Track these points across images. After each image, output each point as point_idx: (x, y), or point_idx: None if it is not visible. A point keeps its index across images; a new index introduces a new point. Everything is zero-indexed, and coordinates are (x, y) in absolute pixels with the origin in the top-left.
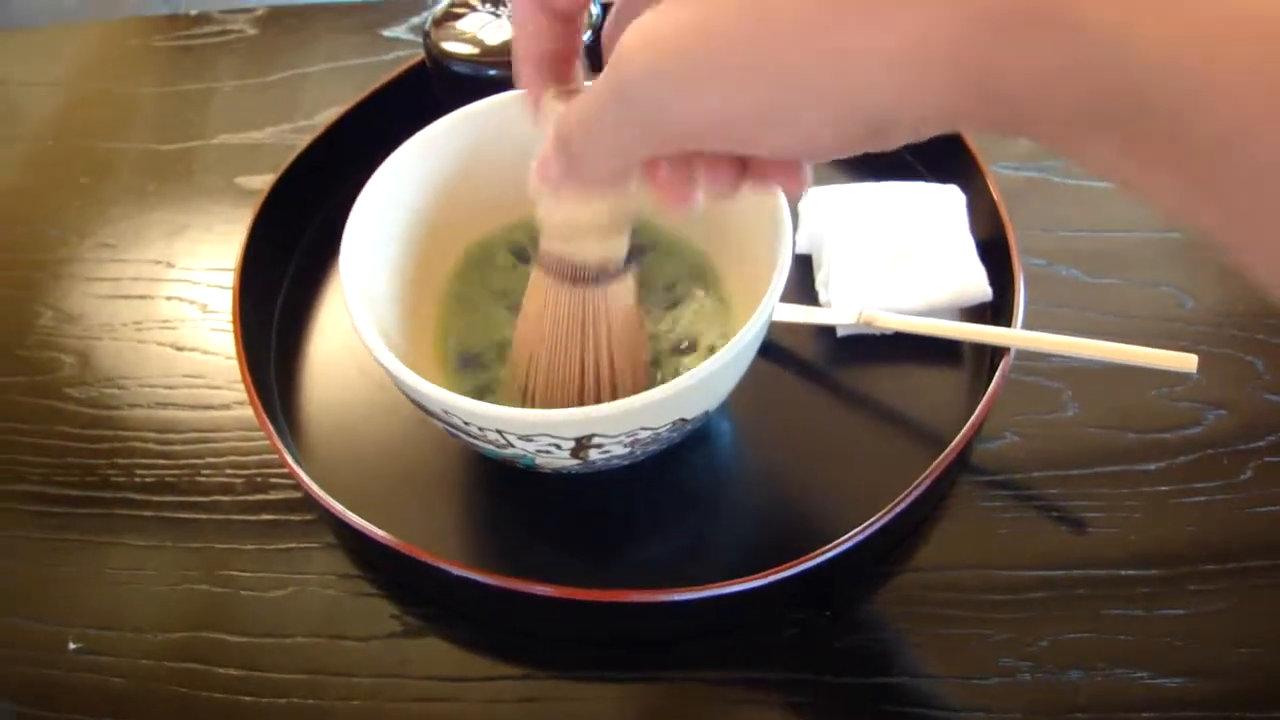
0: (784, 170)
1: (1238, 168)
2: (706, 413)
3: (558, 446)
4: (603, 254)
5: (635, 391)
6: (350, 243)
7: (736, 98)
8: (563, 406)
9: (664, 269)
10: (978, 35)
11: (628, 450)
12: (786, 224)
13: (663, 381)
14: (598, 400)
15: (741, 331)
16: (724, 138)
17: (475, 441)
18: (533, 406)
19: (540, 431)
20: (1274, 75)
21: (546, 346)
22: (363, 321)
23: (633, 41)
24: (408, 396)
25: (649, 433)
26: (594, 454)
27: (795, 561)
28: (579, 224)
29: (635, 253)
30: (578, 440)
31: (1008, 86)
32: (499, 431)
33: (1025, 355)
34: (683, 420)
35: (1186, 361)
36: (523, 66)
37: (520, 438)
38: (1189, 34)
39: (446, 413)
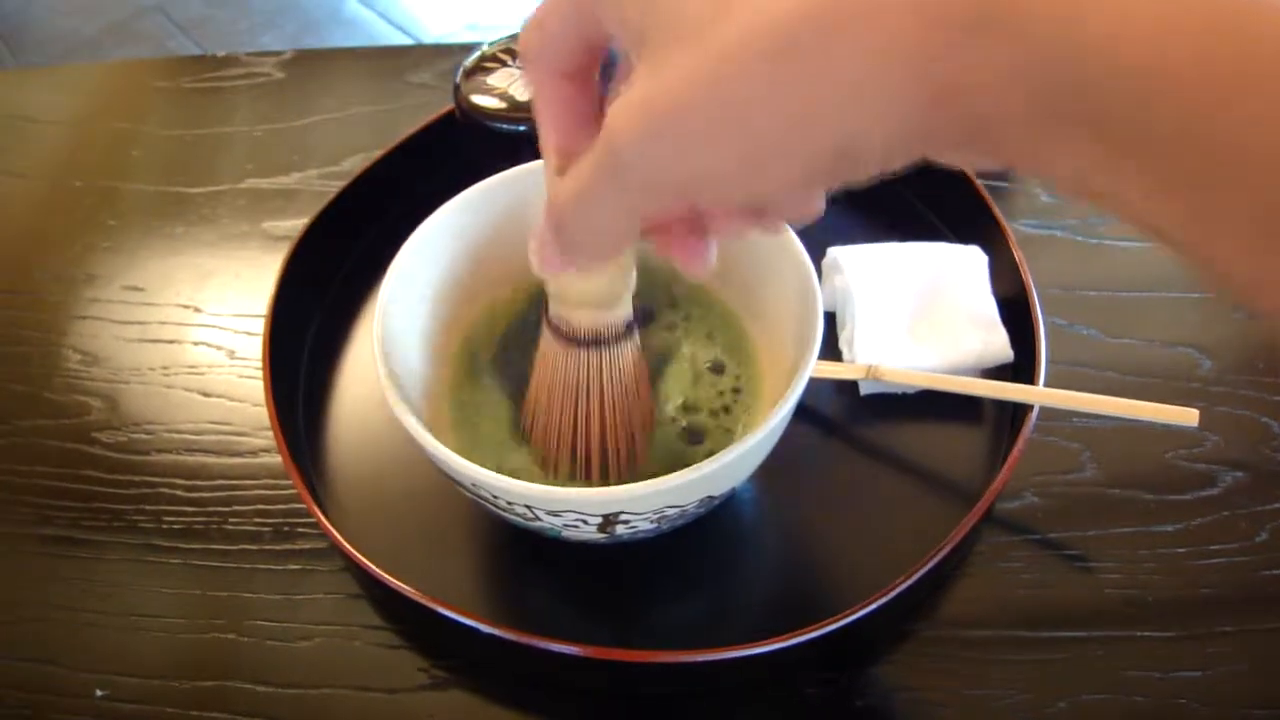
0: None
1: (1194, 153)
2: (733, 488)
3: (585, 522)
4: (597, 322)
5: (627, 457)
6: (382, 320)
7: (722, 151)
8: (555, 459)
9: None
10: (930, 48)
11: (654, 526)
12: (817, 297)
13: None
14: (587, 459)
15: (771, 414)
16: (716, 190)
17: (503, 514)
18: (533, 448)
19: (568, 508)
20: (1216, 62)
21: (545, 402)
22: (395, 397)
23: (621, 111)
24: (438, 469)
25: (676, 510)
26: (621, 529)
27: (818, 624)
28: (574, 296)
29: (641, 318)
30: (605, 517)
31: (966, 93)
32: (527, 506)
33: (1044, 415)
34: (710, 497)
35: (1189, 416)
36: (540, 131)
37: (548, 513)
38: (1132, 26)
39: (475, 485)
